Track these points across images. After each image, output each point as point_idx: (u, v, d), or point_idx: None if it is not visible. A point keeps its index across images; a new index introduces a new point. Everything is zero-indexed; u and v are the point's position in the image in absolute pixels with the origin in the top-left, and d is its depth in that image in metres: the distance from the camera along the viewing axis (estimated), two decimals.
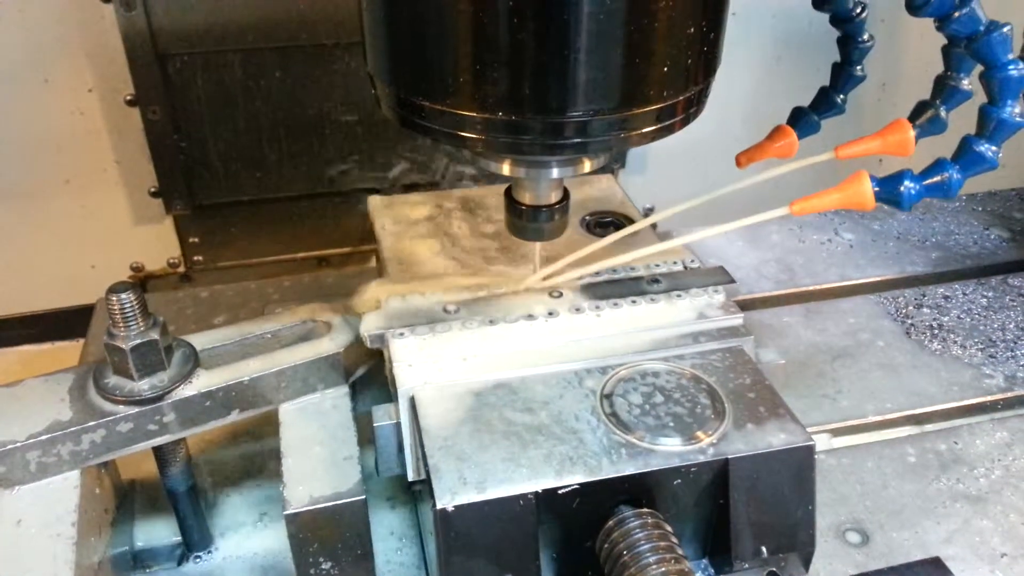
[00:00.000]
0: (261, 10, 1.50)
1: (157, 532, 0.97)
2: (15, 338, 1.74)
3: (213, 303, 1.38)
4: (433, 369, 0.85)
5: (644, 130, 0.75)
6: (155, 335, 0.81)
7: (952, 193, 0.83)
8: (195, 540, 0.95)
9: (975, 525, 1.00)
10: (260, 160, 1.66)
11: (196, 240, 1.75)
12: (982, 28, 0.78)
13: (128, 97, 1.55)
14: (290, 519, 0.78)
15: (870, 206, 0.83)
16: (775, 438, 0.78)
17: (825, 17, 1.00)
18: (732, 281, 0.96)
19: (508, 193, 0.90)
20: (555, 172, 0.84)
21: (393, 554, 0.96)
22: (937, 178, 0.83)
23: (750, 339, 0.89)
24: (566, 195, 0.89)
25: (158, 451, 0.88)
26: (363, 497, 0.79)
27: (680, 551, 0.74)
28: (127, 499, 0.98)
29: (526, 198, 0.88)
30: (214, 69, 1.54)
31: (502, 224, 1.09)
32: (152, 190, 1.66)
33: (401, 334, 0.87)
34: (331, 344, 0.89)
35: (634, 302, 0.92)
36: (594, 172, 0.87)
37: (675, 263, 0.99)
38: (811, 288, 1.41)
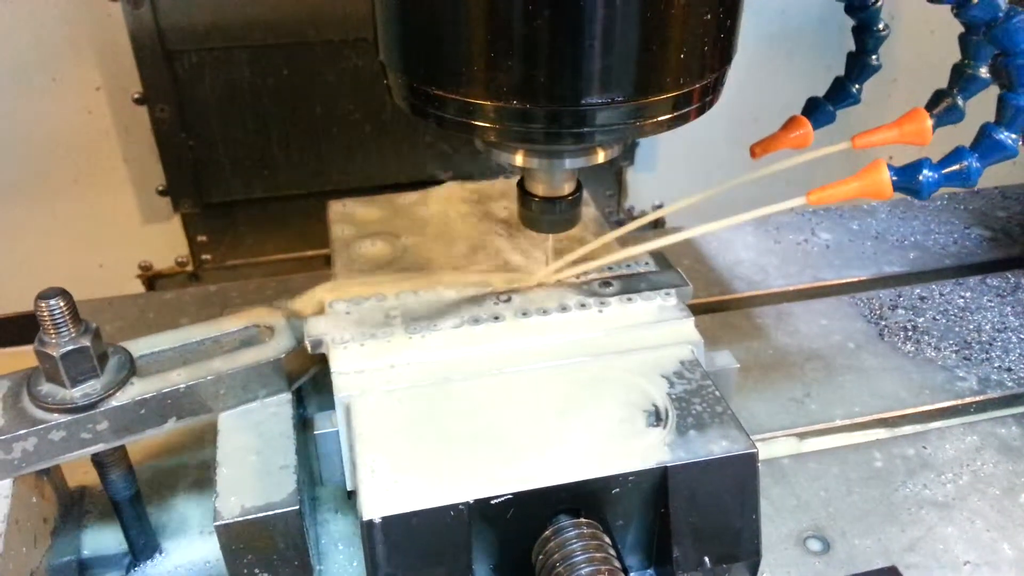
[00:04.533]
0: (268, 7, 1.49)
1: (106, 540, 0.95)
2: (24, 336, 1.73)
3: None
4: (372, 376, 0.83)
5: (660, 118, 0.74)
6: (86, 342, 0.80)
7: (972, 182, 0.80)
8: (140, 548, 0.93)
9: (939, 532, 0.97)
10: (268, 158, 1.65)
11: (204, 239, 1.74)
12: (1001, 14, 0.76)
13: (136, 95, 1.55)
14: (221, 530, 0.76)
15: (888, 195, 0.81)
16: (716, 446, 0.76)
17: (837, 10, 0.98)
18: (686, 284, 0.94)
19: (520, 184, 0.88)
20: (568, 163, 0.82)
21: (350, 565, 0.93)
22: (956, 166, 0.80)
23: (700, 343, 0.87)
24: (579, 186, 0.87)
25: (97, 459, 0.86)
26: (296, 507, 0.77)
27: (616, 563, 0.72)
28: (74, 507, 0.97)
29: (539, 189, 0.86)
30: (222, 67, 1.53)
31: (456, 226, 1.08)
32: (160, 189, 1.66)
33: (341, 339, 0.85)
34: (271, 350, 0.87)
35: (584, 305, 0.90)
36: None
37: (628, 266, 0.97)
38: (784, 289, 1.38)
